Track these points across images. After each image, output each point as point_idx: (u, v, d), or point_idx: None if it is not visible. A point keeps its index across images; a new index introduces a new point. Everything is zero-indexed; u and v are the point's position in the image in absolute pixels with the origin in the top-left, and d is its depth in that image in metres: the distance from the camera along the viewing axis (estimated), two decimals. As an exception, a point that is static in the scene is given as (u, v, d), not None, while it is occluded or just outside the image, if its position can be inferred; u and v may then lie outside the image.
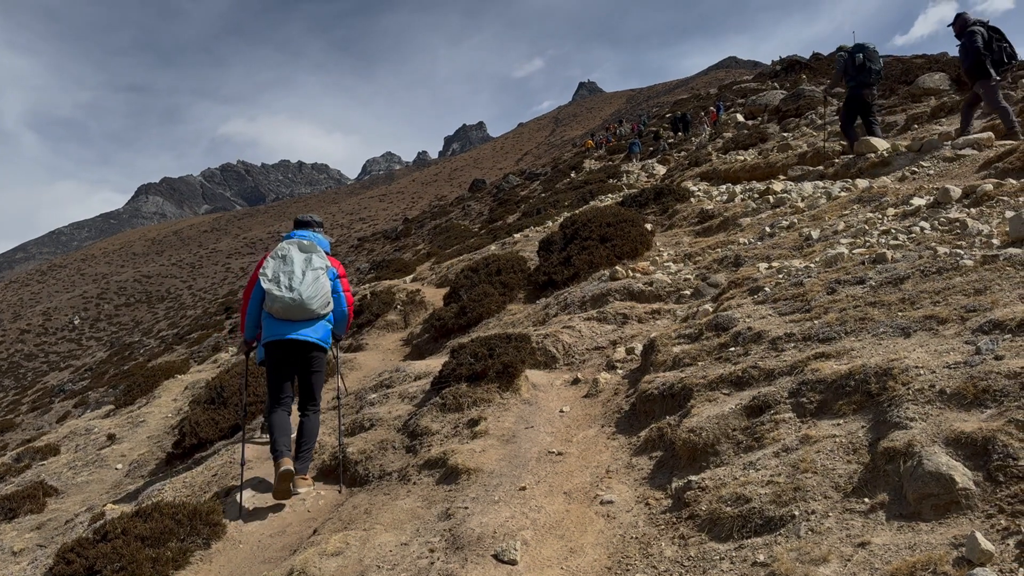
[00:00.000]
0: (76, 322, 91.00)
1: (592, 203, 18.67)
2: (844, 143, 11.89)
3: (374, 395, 6.30)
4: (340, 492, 4.74)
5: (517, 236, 15.98)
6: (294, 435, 5.02)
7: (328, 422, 6.20)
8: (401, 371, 6.93)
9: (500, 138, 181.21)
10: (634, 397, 4.66)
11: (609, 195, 20.18)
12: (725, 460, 3.34)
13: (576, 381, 5.56)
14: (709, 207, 11.11)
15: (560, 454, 4.15)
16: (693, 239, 9.88)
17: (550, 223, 17.17)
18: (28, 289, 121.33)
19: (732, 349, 4.48)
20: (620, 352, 5.83)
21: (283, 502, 4.59)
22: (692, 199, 12.43)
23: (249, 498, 4.66)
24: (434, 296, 11.66)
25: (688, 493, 3.16)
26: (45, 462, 9.52)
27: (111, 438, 9.65)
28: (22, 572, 5.26)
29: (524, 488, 3.69)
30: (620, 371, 5.46)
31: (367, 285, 15.02)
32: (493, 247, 14.95)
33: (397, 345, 10.19)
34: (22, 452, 10.07)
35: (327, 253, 5.13)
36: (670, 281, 7.38)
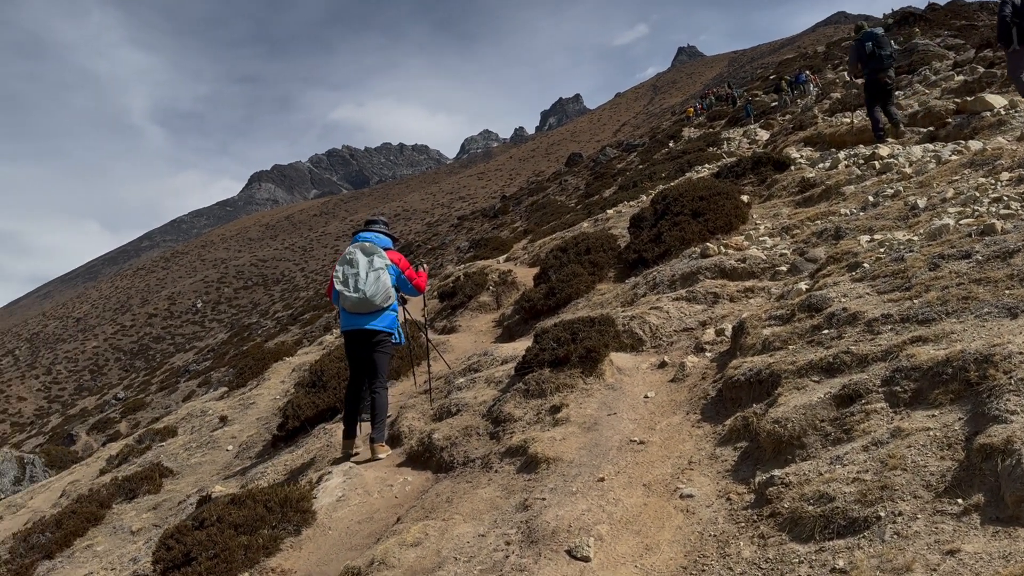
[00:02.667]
0: (199, 305, 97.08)
1: (688, 175, 18.15)
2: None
3: (462, 379, 6.37)
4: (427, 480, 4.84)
5: (609, 212, 15.74)
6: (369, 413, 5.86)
7: (418, 406, 6.33)
8: (489, 355, 6.97)
9: (597, 110, 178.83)
10: (720, 382, 4.49)
11: (707, 165, 19.54)
12: (811, 453, 3.16)
13: (663, 365, 5.42)
14: (810, 175, 10.55)
15: (642, 443, 4.05)
16: (792, 210, 9.43)
17: (643, 197, 16.81)
18: (154, 275, 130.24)
19: (825, 332, 4.23)
20: (709, 334, 5.64)
21: (372, 491, 4.73)
22: (792, 167, 11.84)
23: (340, 484, 4.83)
24: (526, 276, 11.68)
25: (771, 489, 3.01)
26: (164, 443, 10.21)
27: (223, 420, 10.23)
28: (137, 551, 5.68)
29: (603, 479, 3.63)
30: (709, 354, 5.28)
31: (462, 266, 15.21)
32: (585, 224, 14.78)
33: (489, 326, 10.28)
34: (144, 434, 10.85)
35: (390, 248, 5.88)
36: (765, 257, 7.06)
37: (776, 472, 3.11)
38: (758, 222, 9.21)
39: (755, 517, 2.93)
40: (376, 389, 5.64)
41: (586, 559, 2.92)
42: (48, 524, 6.86)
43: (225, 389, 14.12)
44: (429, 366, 6.98)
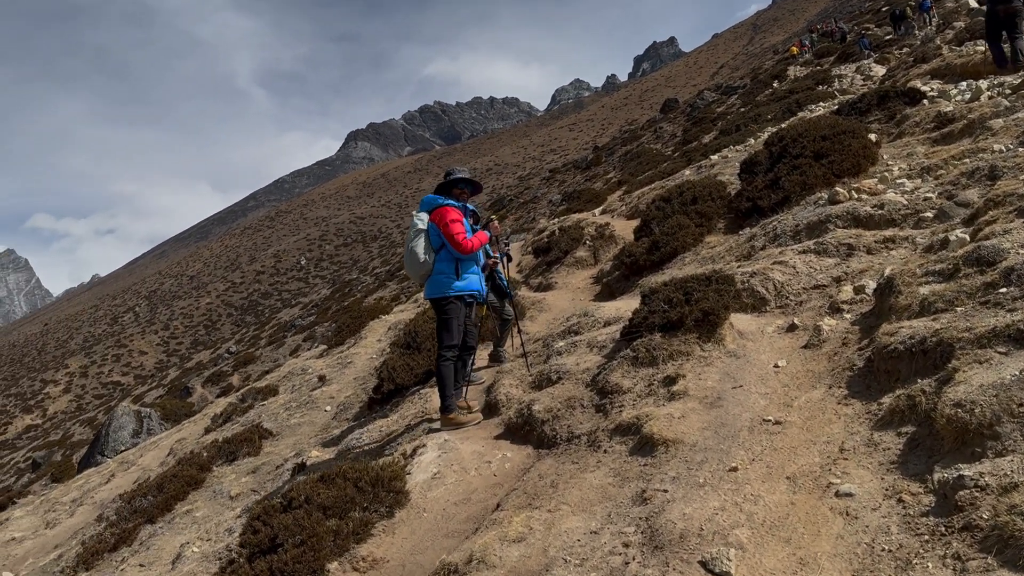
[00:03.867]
0: (302, 262, 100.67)
1: (800, 114, 16.80)
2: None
3: (561, 343, 5.89)
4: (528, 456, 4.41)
5: (714, 158, 14.72)
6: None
7: (516, 372, 5.91)
8: (590, 315, 6.46)
9: (693, 53, 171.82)
10: (869, 350, 3.82)
11: (820, 104, 18.06)
12: (1009, 447, 2.51)
13: (792, 328, 4.76)
14: (948, 109, 9.36)
15: (778, 423, 3.46)
16: (929, 149, 8.36)
17: (751, 141, 15.65)
18: (260, 234, 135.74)
19: (1004, 291, 3.49)
20: (846, 291, 4.91)
21: (469, 467, 4.35)
22: (925, 101, 10.59)
23: (434, 459, 4.47)
24: (624, 229, 11.02)
25: (961, 493, 2.39)
26: (266, 402, 10.28)
27: (322, 379, 10.19)
28: (233, 521, 5.56)
29: (735, 468, 3.08)
30: (848, 315, 4.58)
31: (555, 220, 14.65)
32: (687, 172, 13.87)
33: (587, 283, 9.75)
34: (247, 392, 10.98)
35: (440, 206, 5.50)
36: (906, 202, 6.19)
37: (965, 470, 2.48)
38: (890, 163, 8.22)
39: (942, 529, 2.33)
40: (437, 358, 5.38)
41: (726, 575, 2.40)
42: (151, 487, 6.93)
43: (324, 347, 14.24)
44: (520, 330, 6.53)
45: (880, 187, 6.96)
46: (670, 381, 4.19)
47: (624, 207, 13.90)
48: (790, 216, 6.94)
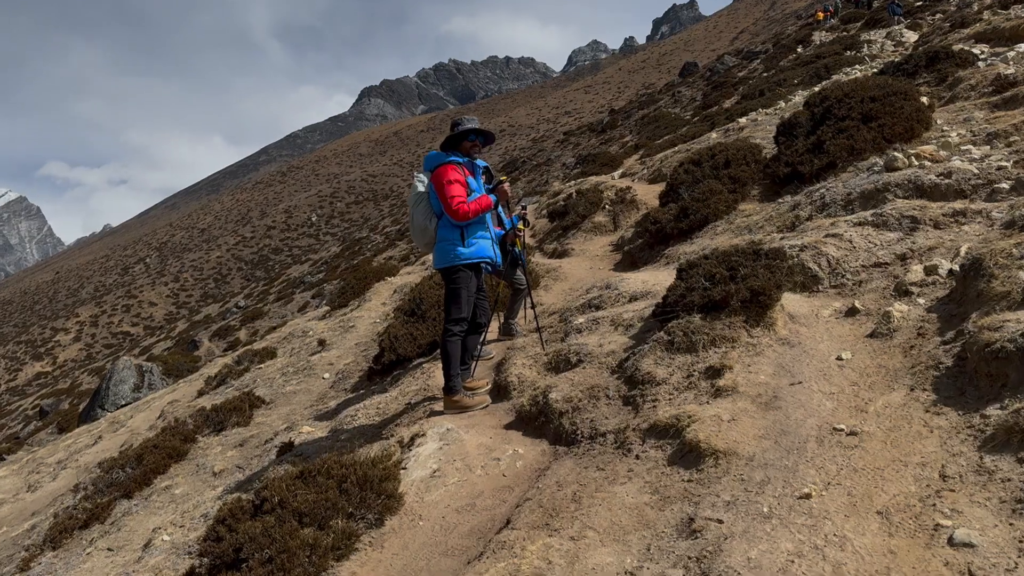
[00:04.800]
0: (313, 219, 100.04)
1: (834, 78, 15.87)
2: None
3: (581, 319, 5.24)
4: (544, 453, 3.79)
5: (742, 121, 13.86)
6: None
7: (529, 349, 5.28)
8: (612, 288, 5.80)
9: (713, 16, 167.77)
10: (958, 345, 3.17)
11: (856, 67, 17.09)
12: None
13: (852, 312, 4.09)
14: (1008, 71, 8.56)
15: (853, 434, 2.83)
16: (990, 114, 7.59)
17: (782, 104, 14.77)
18: (271, 189, 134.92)
19: None
20: (915, 271, 4.23)
21: (474, 464, 3.73)
22: (980, 63, 9.76)
23: (435, 452, 3.86)
24: (647, 194, 10.29)
25: None
26: (262, 366, 9.73)
27: (322, 344, 9.62)
28: (212, 502, 5.00)
29: (808, 495, 2.46)
30: (921, 300, 3.91)
31: (573, 182, 13.91)
32: (714, 135, 13.05)
33: (606, 251, 9.07)
34: (243, 355, 10.43)
35: (438, 165, 4.80)
36: (976, 171, 5.46)
37: None
38: (945, 128, 7.47)
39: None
40: (443, 332, 4.75)
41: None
42: (131, 458, 6.39)
43: (327, 308, 13.66)
44: (533, 303, 5.87)
45: (942, 154, 6.23)
46: (714, 373, 3.54)
47: (645, 171, 13.13)
48: (840, 183, 6.22)
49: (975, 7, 19.07)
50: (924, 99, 8.34)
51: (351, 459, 3.40)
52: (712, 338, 3.83)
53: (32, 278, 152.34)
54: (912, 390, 3.07)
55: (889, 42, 22.08)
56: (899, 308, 3.87)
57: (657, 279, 5.96)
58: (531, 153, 66.51)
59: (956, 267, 3.99)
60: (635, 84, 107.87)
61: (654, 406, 3.49)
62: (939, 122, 7.75)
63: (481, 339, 5.23)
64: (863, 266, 4.60)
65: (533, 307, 5.93)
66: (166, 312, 78.52)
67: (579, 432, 3.68)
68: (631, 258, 8.09)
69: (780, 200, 7.07)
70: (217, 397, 8.88)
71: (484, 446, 3.92)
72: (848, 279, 4.55)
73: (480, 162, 6.02)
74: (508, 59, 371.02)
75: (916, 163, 5.95)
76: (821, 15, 48.61)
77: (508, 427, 4.23)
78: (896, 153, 6.24)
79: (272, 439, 6.20)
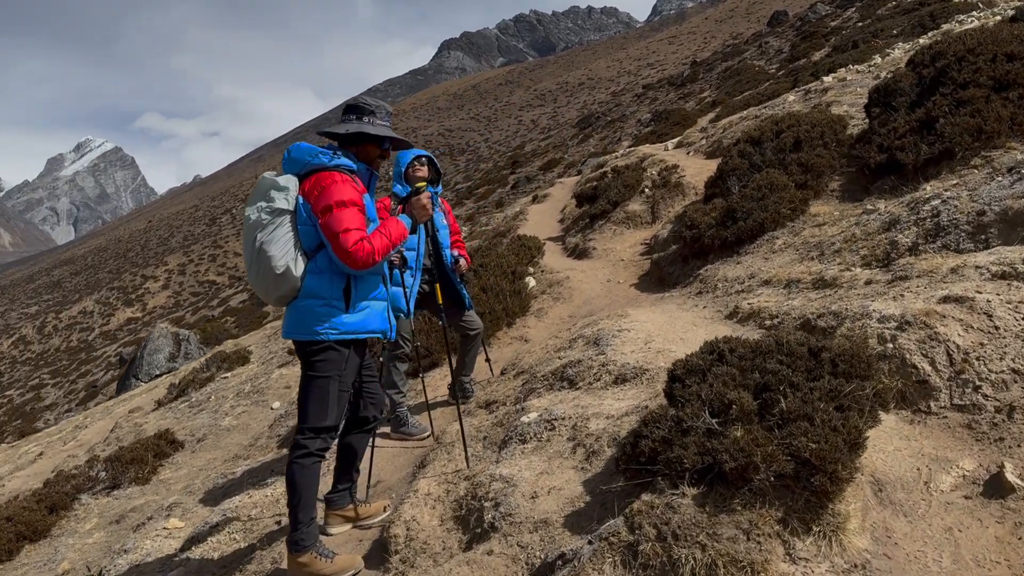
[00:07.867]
0: (391, 174, 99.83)
1: (944, 27, 12.94)
2: None
3: (534, 413, 3.34)
4: None
5: (828, 80, 11.19)
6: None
7: (439, 470, 3.40)
8: (604, 344, 3.86)
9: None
10: None
11: (972, 14, 14.04)
12: None
13: (998, 483, 2.09)
14: None
15: None
16: None
17: (877, 59, 11.97)
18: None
19: None
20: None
21: None
22: None
23: None
24: (698, 173, 8.15)
25: None
26: (228, 375, 8.27)
27: (292, 352, 8.08)
28: None
29: None
30: None
31: (612, 155, 11.76)
32: (791, 97, 10.58)
33: (634, 253, 7.06)
34: (212, 358, 8.98)
35: (315, 169, 2.91)
36: None
37: None
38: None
39: None
40: (294, 448, 2.94)
41: None
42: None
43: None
44: (488, 357, 3.99)
45: None
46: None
47: (705, 141, 10.86)
48: (963, 190, 4.04)
49: None
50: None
51: None
52: (711, 561, 1.90)
53: (126, 226, 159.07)
54: None
55: (1015, -17, 18.63)
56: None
57: (672, 324, 4.02)
58: (607, 108, 63.44)
59: None
60: (722, 34, 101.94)
61: None
62: (1113, 88, 5.35)
63: (371, 442, 3.42)
64: (1012, 370, 2.53)
65: (488, 360, 4.10)
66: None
67: None
68: (659, 272, 6.08)
69: (869, 206, 4.92)
70: (165, 417, 7.45)
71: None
72: (987, 396, 2.49)
73: (414, 152, 4.17)
74: (590, 9, 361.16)
75: (1096, 162, 3.74)
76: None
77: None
78: (1060, 144, 4.02)
79: (144, 524, 4.61)
